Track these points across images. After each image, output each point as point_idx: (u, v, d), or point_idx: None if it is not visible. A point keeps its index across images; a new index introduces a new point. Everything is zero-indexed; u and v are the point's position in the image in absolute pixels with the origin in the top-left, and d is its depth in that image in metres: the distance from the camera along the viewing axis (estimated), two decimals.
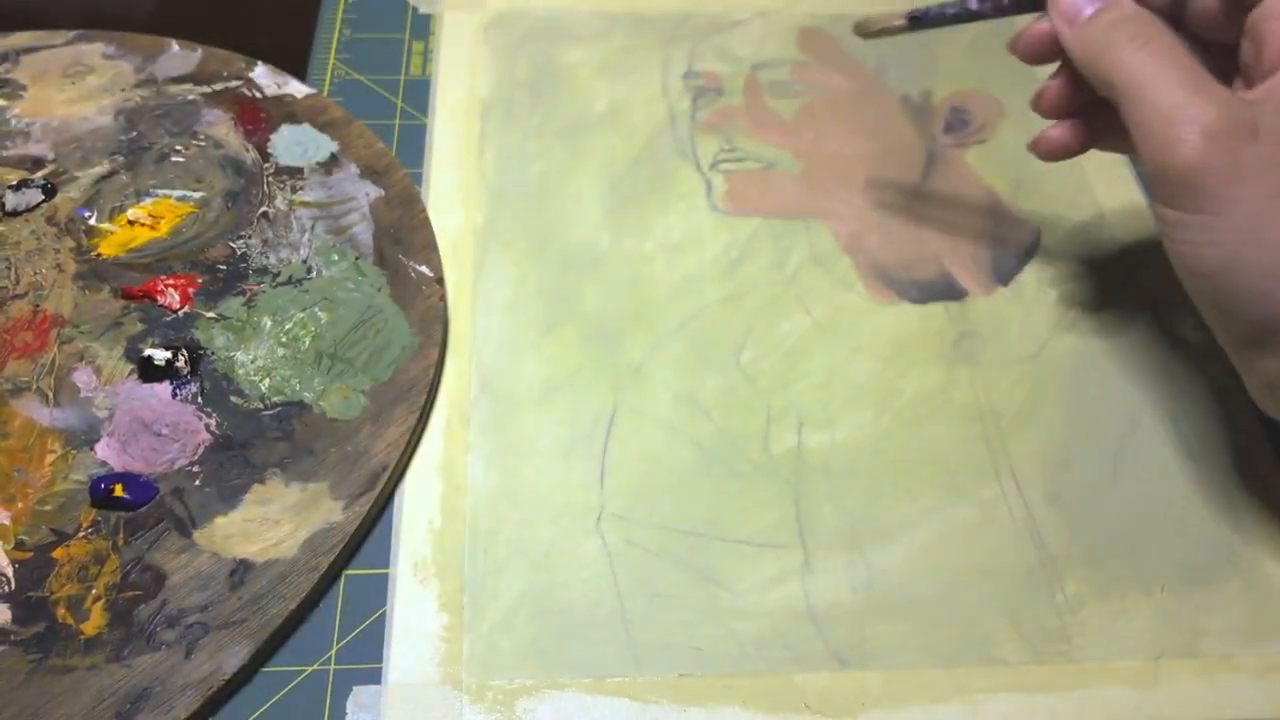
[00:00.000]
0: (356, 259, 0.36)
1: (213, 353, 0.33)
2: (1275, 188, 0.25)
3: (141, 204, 0.37)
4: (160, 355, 0.33)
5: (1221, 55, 0.29)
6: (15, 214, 0.36)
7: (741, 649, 0.30)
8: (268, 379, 0.33)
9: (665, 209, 0.39)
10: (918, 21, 0.33)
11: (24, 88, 0.40)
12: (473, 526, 0.32)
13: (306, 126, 0.39)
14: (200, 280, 0.35)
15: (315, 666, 0.29)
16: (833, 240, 0.39)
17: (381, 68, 0.43)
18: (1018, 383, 0.35)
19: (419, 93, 0.42)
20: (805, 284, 0.37)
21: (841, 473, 0.33)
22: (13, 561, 0.29)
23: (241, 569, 0.29)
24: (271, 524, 0.30)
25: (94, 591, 0.29)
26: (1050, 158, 0.33)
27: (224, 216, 0.37)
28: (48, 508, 0.30)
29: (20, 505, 0.30)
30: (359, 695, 0.28)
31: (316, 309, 0.35)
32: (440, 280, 0.36)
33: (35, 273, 0.35)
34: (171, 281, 0.35)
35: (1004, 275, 0.38)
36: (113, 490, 0.30)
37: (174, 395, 0.32)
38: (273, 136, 0.39)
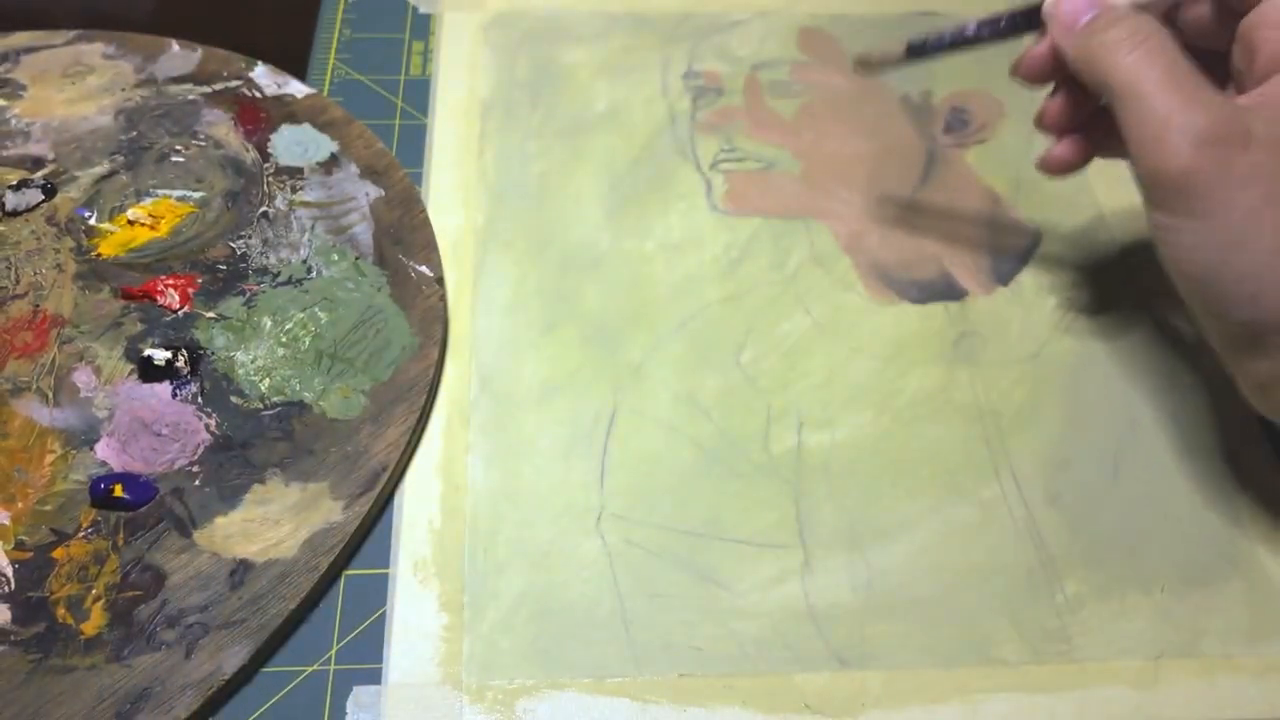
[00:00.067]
0: (356, 259, 0.36)
1: (213, 353, 0.33)
2: (1266, 194, 0.25)
3: (141, 204, 0.37)
4: (160, 355, 0.33)
5: (1215, 61, 0.29)
6: (15, 214, 0.36)
7: (741, 649, 0.30)
8: (268, 379, 0.33)
9: (665, 209, 0.39)
10: (916, 51, 0.33)
11: (24, 88, 0.40)
12: (473, 526, 0.32)
13: (306, 126, 0.39)
14: (200, 280, 0.35)
15: (315, 666, 0.29)
16: (833, 240, 0.39)
17: (381, 68, 0.43)
18: (1018, 383, 0.35)
19: (419, 93, 0.42)
20: (805, 284, 0.37)
21: (841, 473, 0.33)
22: (13, 561, 0.29)
23: (241, 569, 0.29)
24: (271, 524, 0.30)
25: (94, 591, 0.29)
26: (1057, 174, 0.33)
27: (224, 216, 0.37)
28: (48, 508, 0.30)
29: (20, 505, 0.30)
30: (359, 695, 0.28)
31: (316, 309, 0.35)
32: (440, 280, 0.36)
33: (35, 273, 0.35)
34: (171, 281, 0.35)
35: (1004, 275, 0.38)
36: (113, 490, 0.30)
37: (174, 395, 0.32)
38: (273, 136, 0.39)
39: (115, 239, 0.36)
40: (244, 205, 0.37)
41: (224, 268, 0.35)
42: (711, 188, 0.40)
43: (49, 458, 0.31)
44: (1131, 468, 0.34)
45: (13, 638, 0.28)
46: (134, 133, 0.39)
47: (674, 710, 0.29)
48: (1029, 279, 0.38)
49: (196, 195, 0.37)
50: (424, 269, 0.36)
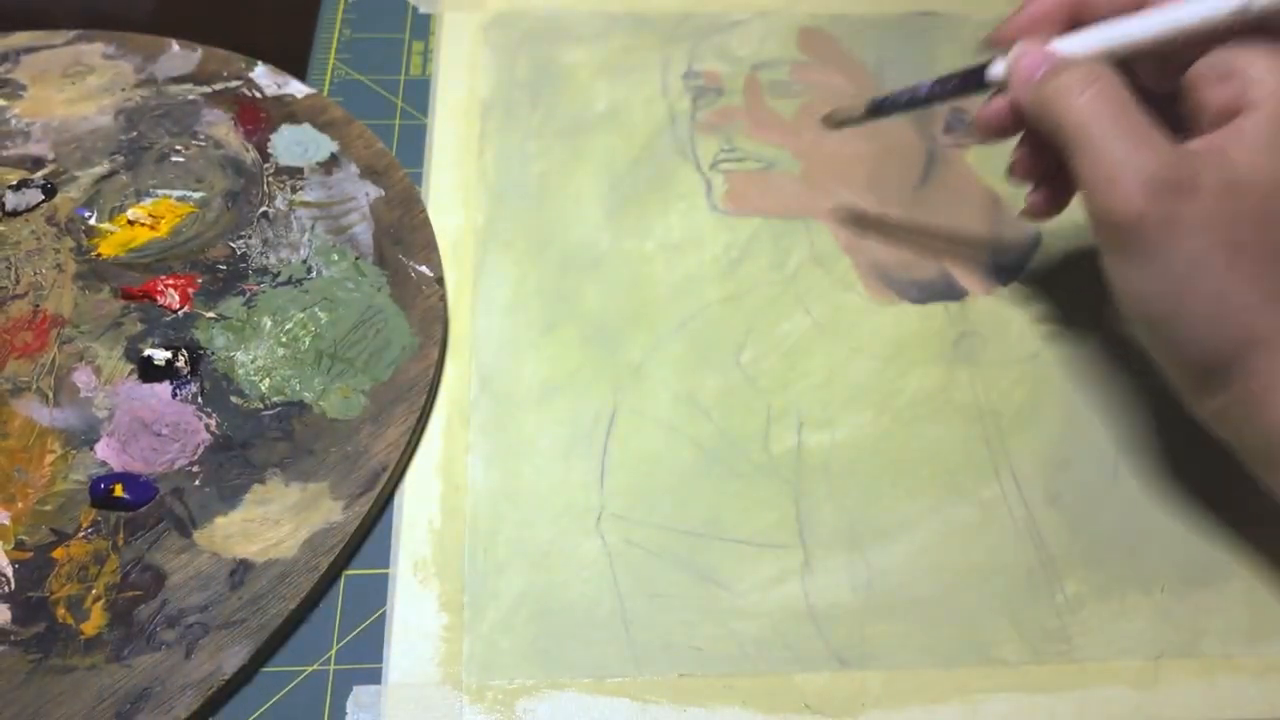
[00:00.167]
0: (356, 259, 0.36)
1: (213, 353, 0.33)
2: (1213, 240, 0.26)
3: (141, 204, 0.37)
4: (160, 355, 0.33)
5: (1167, 103, 0.29)
6: (15, 214, 0.36)
7: (741, 649, 0.30)
8: (268, 379, 0.33)
9: (665, 209, 0.39)
10: (875, 110, 0.35)
11: (24, 88, 0.40)
12: (473, 526, 0.32)
13: (306, 126, 0.39)
14: (200, 280, 0.35)
15: (315, 666, 0.29)
16: (833, 240, 0.39)
17: (381, 68, 0.43)
18: (1018, 383, 0.35)
19: (419, 93, 0.42)
20: (805, 284, 0.37)
21: (841, 473, 0.33)
22: (13, 561, 0.29)
23: (241, 569, 0.29)
24: (271, 524, 0.30)
25: (94, 591, 0.29)
26: (1038, 220, 0.35)
27: (224, 216, 0.37)
28: (48, 508, 0.30)
29: (20, 505, 0.30)
30: (359, 695, 0.28)
31: (316, 309, 0.35)
32: (440, 280, 0.36)
33: (35, 273, 0.35)
34: (171, 281, 0.35)
35: (1004, 275, 0.38)
36: (113, 490, 0.30)
37: (174, 395, 0.32)
38: (273, 136, 0.39)
39: (115, 239, 0.36)
40: (244, 205, 0.37)
41: (224, 268, 0.35)
42: (711, 188, 0.40)
43: (49, 458, 0.31)
44: (1131, 468, 0.34)
45: (13, 638, 0.28)
46: (134, 133, 0.39)
47: (674, 710, 0.29)
48: (1029, 279, 0.38)
49: (196, 195, 0.37)
50: (424, 269, 0.36)
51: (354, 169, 0.38)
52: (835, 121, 0.37)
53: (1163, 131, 0.27)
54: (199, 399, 0.32)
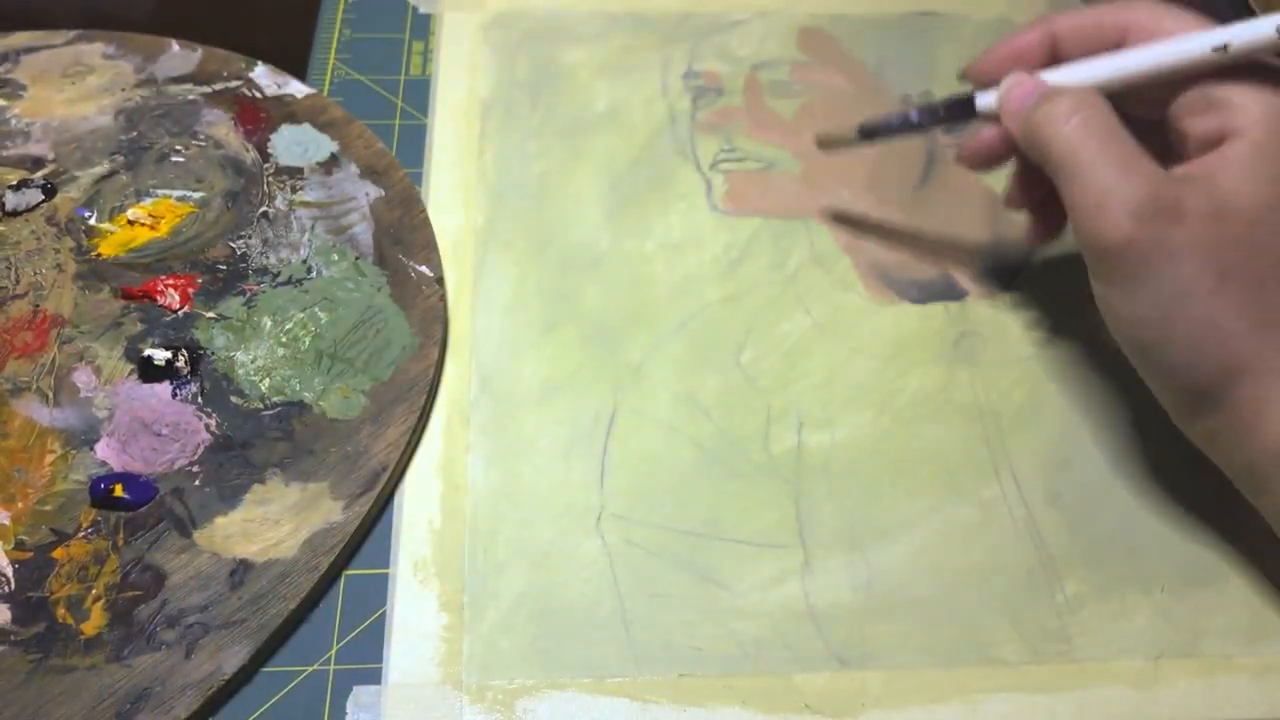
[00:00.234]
0: (356, 259, 0.36)
1: (213, 353, 0.33)
2: (1199, 265, 0.26)
3: (141, 204, 0.37)
4: (160, 355, 0.33)
5: (1155, 133, 0.30)
6: (15, 214, 0.36)
7: (741, 649, 0.30)
8: (268, 379, 0.33)
9: (665, 209, 0.39)
10: (867, 133, 0.36)
11: (24, 88, 0.40)
12: (473, 526, 0.32)
13: (306, 126, 0.39)
14: (200, 280, 0.35)
15: (315, 666, 0.29)
16: (833, 240, 0.39)
17: (381, 68, 0.43)
18: (1018, 383, 0.35)
19: (419, 93, 0.42)
20: (805, 284, 0.37)
21: (841, 473, 0.33)
22: (13, 561, 0.29)
23: (241, 569, 0.29)
24: (271, 524, 0.30)
25: (94, 591, 0.29)
26: (1036, 246, 0.35)
27: (224, 216, 0.37)
28: (48, 508, 0.30)
29: (20, 505, 0.30)
30: (359, 695, 0.28)
31: (316, 309, 0.35)
32: (440, 280, 0.36)
33: (35, 273, 0.35)
34: (171, 281, 0.35)
35: (1004, 276, 0.38)
36: (113, 490, 0.30)
37: (174, 395, 0.32)
38: (273, 136, 0.39)
39: (115, 239, 0.36)
40: (244, 205, 0.37)
41: (224, 268, 0.35)
42: (711, 188, 0.40)
43: (49, 458, 0.31)
44: (1131, 468, 0.34)
45: (13, 638, 0.28)
46: (134, 133, 0.39)
47: (674, 710, 0.29)
48: (1029, 279, 0.38)
49: (196, 195, 0.37)
50: (424, 269, 0.36)
51: (354, 169, 0.38)
52: (828, 143, 0.37)
53: (1148, 157, 0.27)
54: (199, 399, 0.32)
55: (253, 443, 0.32)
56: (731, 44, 0.45)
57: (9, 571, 0.29)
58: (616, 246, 0.38)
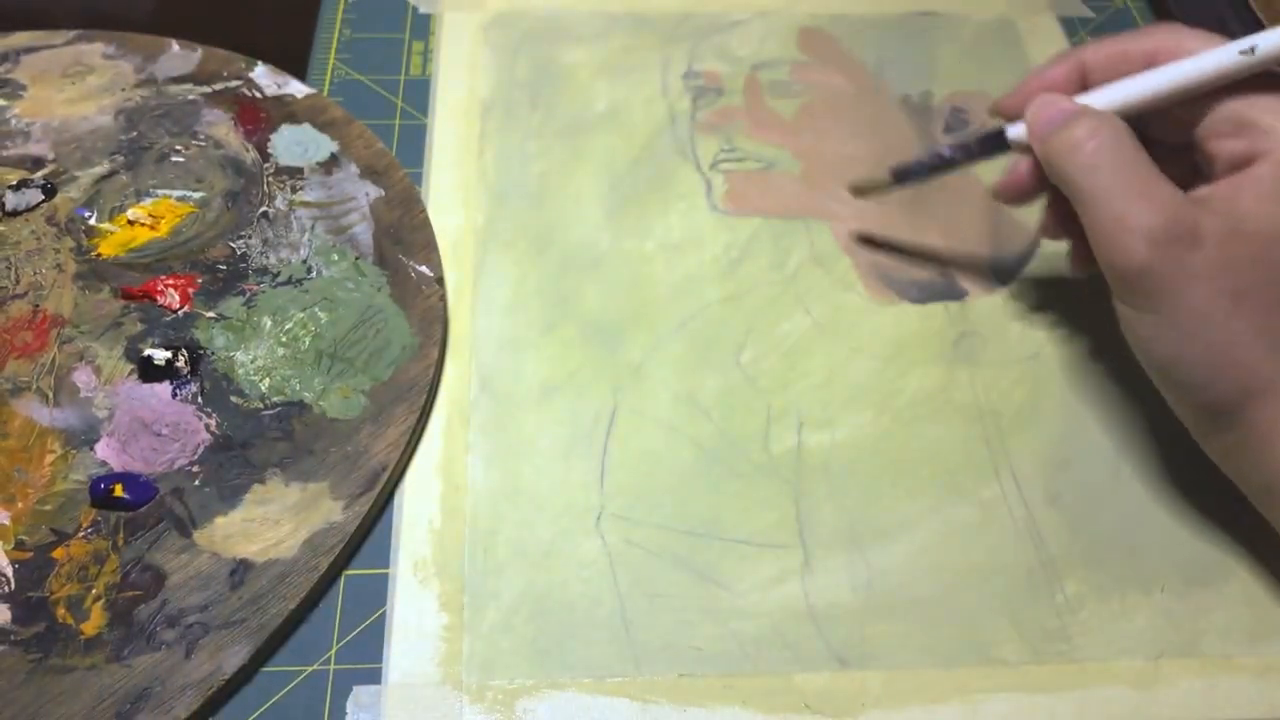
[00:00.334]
0: (356, 259, 0.36)
1: (213, 353, 0.33)
2: (1216, 289, 0.26)
3: (141, 204, 0.37)
4: (160, 355, 0.33)
5: (1184, 155, 0.30)
6: (15, 214, 0.36)
7: (741, 649, 0.30)
8: (268, 379, 0.33)
9: (665, 209, 0.39)
10: (901, 176, 0.36)
11: (24, 88, 0.40)
12: (473, 526, 0.32)
13: (306, 126, 0.39)
14: (200, 280, 0.35)
15: (315, 666, 0.29)
16: (833, 240, 0.39)
17: (381, 68, 0.43)
18: (1018, 383, 0.35)
19: (419, 93, 0.42)
20: (805, 284, 0.37)
21: (841, 473, 0.33)
22: (13, 561, 0.29)
23: (241, 569, 0.29)
24: (271, 524, 0.30)
25: (94, 591, 0.29)
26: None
27: (224, 216, 0.37)
28: (48, 508, 0.30)
29: (20, 505, 0.30)
30: (359, 695, 0.28)
31: (316, 309, 0.35)
32: (440, 280, 0.36)
33: (35, 273, 0.35)
34: (171, 281, 0.35)
35: (1004, 275, 0.38)
36: (113, 490, 0.30)
37: (174, 395, 0.32)
38: (273, 136, 0.39)
39: (115, 239, 0.36)
40: (244, 205, 0.37)
41: (224, 268, 0.35)
42: (711, 188, 0.40)
43: (49, 458, 0.31)
44: (1131, 468, 0.34)
45: (13, 638, 0.28)
46: (134, 133, 0.39)
47: (674, 710, 0.29)
48: (1029, 279, 0.38)
49: (196, 195, 0.37)
50: (424, 269, 0.36)
51: (354, 169, 0.38)
52: (862, 190, 0.37)
53: (1166, 181, 0.27)
54: (199, 399, 0.32)
55: (253, 443, 0.32)
56: (731, 44, 0.45)
57: (9, 571, 0.29)
58: (616, 246, 0.38)
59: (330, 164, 0.38)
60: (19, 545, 0.29)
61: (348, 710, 0.28)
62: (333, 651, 0.29)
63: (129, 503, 0.30)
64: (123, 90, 0.40)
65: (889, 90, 0.44)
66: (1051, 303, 0.37)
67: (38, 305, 0.34)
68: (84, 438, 0.31)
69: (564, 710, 0.28)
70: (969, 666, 0.30)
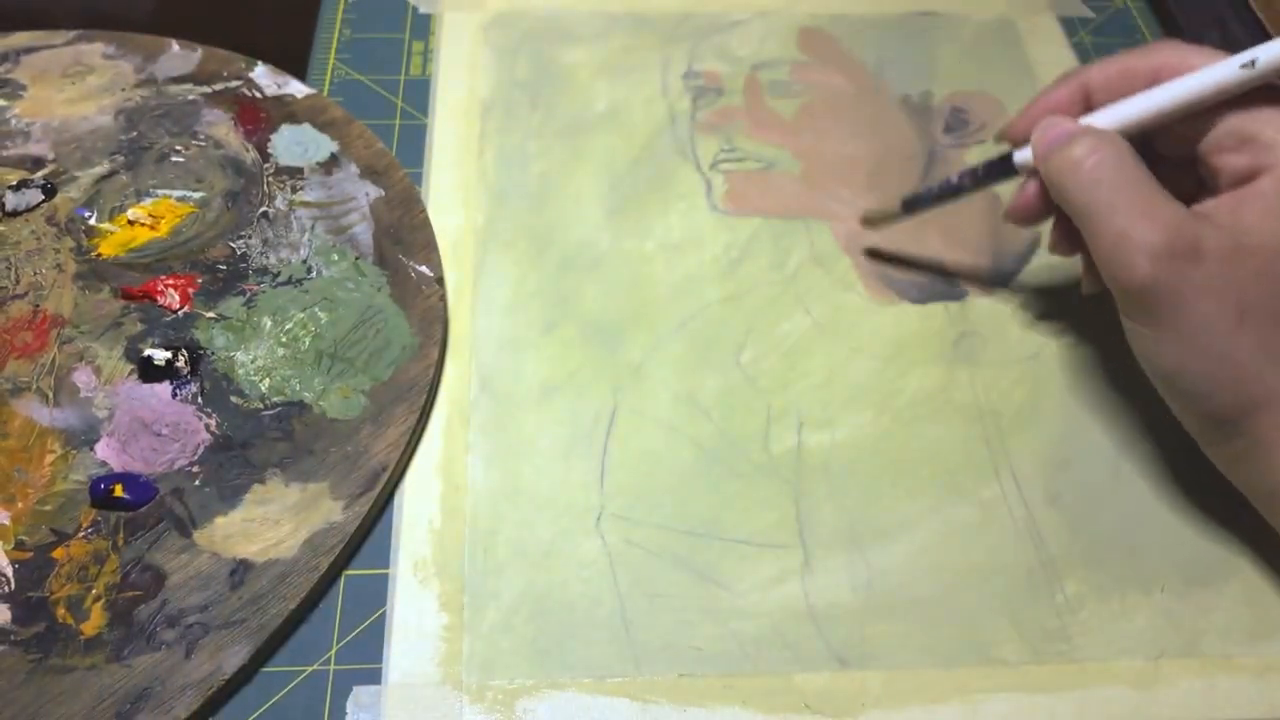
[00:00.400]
0: (356, 259, 0.36)
1: (213, 353, 0.33)
2: (1220, 303, 0.27)
3: (141, 204, 0.37)
4: (160, 355, 0.33)
5: (1188, 169, 0.30)
6: (15, 214, 0.36)
7: (741, 649, 0.30)
8: (268, 379, 0.33)
9: (665, 209, 0.39)
10: (911, 206, 0.36)
11: (24, 88, 0.40)
12: (473, 526, 0.32)
13: (306, 126, 0.39)
14: (200, 280, 0.35)
15: (315, 666, 0.29)
16: (833, 240, 0.39)
17: (381, 68, 0.43)
18: (1018, 383, 0.35)
19: (419, 93, 0.42)
20: (805, 284, 0.37)
21: (841, 473, 0.33)
22: (13, 561, 0.29)
23: (241, 569, 0.29)
24: (271, 524, 0.30)
25: (94, 591, 0.29)
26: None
27: (224, 216, 0.37)
28: (48, 508, 0.30)
29: (20, 505, 0.30)
30: (359, 695, 0.28)
31: (316, 309, 0.35)
32: (440, 280, 0.36)
33: (35, 273, 0.35)
34: (171, 281, 0.35)
35: (1004, 275, 0.38)
36: (113, 490, 0.30)
37: (174, 395, 0.32)
38: (273, 136, 0.39)
39: (115, 239, 0.36)
40: (244, 205, 0.37)
41: (224, 268, 0.35)
42: (711, 188, 0.40)
43: (49, 458, 0.31)
44: (1131, 468, 0.34)
45: (13, 638, 0.28)
46: (134, 133, 0.39)
47: (674, 710, 0.29)
48: (1029, 279, 0.38)
49: (196, 195, 0.37)
50: (424, 269, 0.36)
51: (354, 169, 0.38)
52: (873, 221, 0.38)
53: (1168, 197, 0.27)
54: (199, 399, 0.32)
55: (253, 443, 0.32)
56: (731, 44, 0.45)
57: (9, 571, 0.29)
58: (616, 246, 0.38)
59: (330, 164, 0.38)
60: (19, 545, 0.29)
61: (348, 710, 0.28)
62: (333, 651, 0.29)
63: (129, 503, 0.30)
64: (123, 90, 0.40)
65: (889, 90, 0.44)
66: (1051, 303, 0.37)
67: (38, 305, 0.34)
68: (84, 438, 0.31)
69: (564, 710, 0.28)
70: (969, 666, 0.30)
